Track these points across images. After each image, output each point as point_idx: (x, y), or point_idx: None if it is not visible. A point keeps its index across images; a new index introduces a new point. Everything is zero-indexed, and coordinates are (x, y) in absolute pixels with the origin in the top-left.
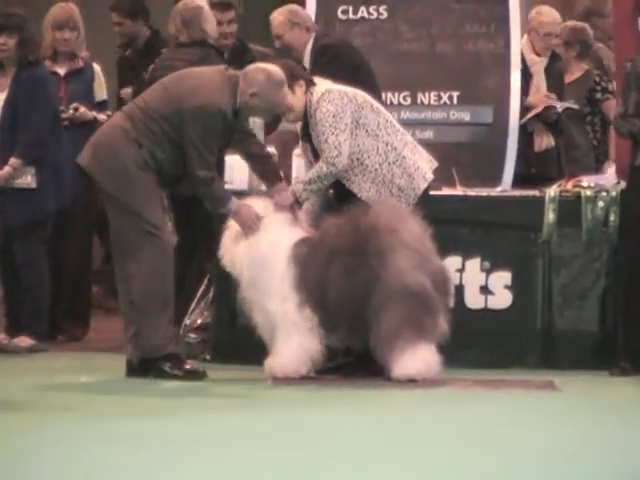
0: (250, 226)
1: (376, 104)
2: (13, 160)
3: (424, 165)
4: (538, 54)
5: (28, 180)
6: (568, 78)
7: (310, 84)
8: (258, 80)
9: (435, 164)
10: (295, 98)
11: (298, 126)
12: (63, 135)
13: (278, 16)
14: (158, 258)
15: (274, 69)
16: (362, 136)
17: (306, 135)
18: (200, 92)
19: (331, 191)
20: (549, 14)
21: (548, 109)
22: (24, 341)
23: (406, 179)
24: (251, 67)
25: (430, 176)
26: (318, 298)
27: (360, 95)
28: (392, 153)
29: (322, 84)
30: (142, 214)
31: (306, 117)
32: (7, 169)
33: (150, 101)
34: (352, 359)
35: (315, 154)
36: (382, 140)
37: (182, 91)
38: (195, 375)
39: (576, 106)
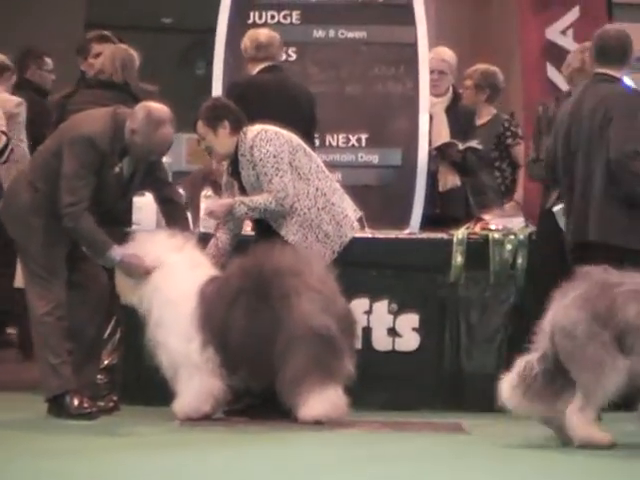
0: (138, 277)
1: (308, 149)
2: None
3: (351, 214)
4: (437, 95)
5: None
6: (477, 121)
7: (238, 124)
8: (138, 117)
9: (359, 213)
10: (217, 139)
11: (211, 166)
12: None
13: None
14: (46, 302)
15: (156, 108)
16: (294, 179)
17: (235, 173)
18: (78, 125)
19: (249, 228)
20: (435, 52)
21: (448, 146)
22: None
23: (334, 226)
24: (138, 105)
25: (357, 225)
26: (221, 339)
27: (294, 137)
28: (322, 199)
29: (255, 125)
30: (35, 258)
31: (235, 155)
32: None
33: (46, 142)
34: (259, 401)
35: (243, 191)
36: (313, 185)
37: (65, 126)
38: (87, 417)
39: (479, 146)
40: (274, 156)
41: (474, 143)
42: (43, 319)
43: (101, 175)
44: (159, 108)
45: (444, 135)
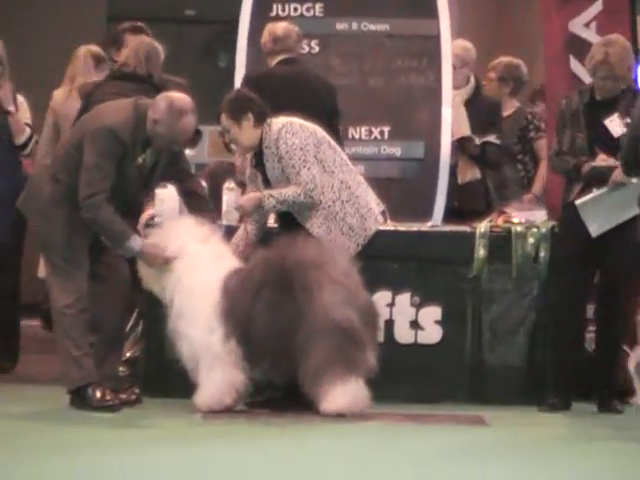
0: (159, 267)
1: (332, 141)
2: None
3: (375, 207)
4: (457, 87)
5: None
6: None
7: (262, 116)
8: (160, 108)
9: (382, 207)
10: (241, 132)
11: (240, 159)
12: (2, 167)
13: None
14: (68, 294)
15: (178, 97)
16: (319, 172)
17: (259, 165)
18: (100, 117)
19: (272, 222)
20: (456, 45)
21: (465, 140)
22: None
23: (358, 219)
24: (159, 95)
25: (381, 219)
26: (244, 331)
27: (319, 130)
28: (346, 192)
29: (280, 117)
30: (57, 250)
31: (260, 147)
32: None
33: (68, 134)
34: (281, 393)
35: (266, 184)
36: (337, 178)
37: (87, 118)
38: (109, 409)
39: (497, 141)
40: (300, 149)
41: (492, 137)
42: (65, 311)
43: (122, 166)
44: (181, 98)
45: (463, 128)
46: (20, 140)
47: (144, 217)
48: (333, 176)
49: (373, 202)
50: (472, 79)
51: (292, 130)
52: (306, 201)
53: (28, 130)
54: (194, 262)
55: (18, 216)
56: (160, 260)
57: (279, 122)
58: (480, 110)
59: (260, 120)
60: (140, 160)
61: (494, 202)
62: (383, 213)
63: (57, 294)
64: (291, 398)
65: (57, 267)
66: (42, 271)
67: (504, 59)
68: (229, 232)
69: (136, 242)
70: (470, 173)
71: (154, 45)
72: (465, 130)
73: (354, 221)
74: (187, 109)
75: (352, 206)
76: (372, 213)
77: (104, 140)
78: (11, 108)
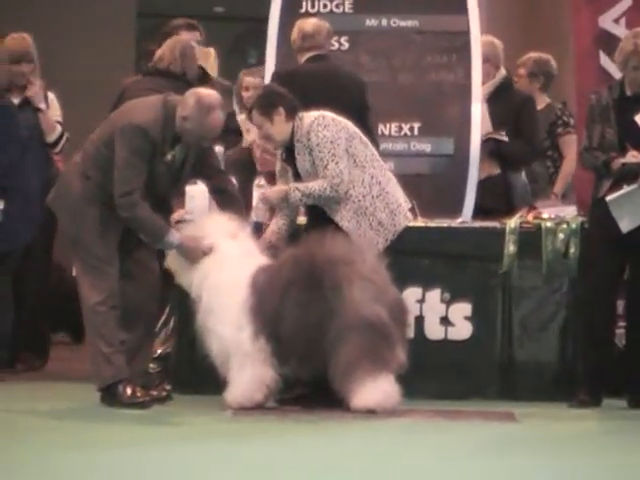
0: (196, 260)
1: (364, 137)
2: None
3: (404, 204)
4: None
5: None
6: None
7: (293, 110)
8: (189, 104)
9: (409, 204)
10: (274, 127)
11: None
12: (31, 166)
13: None
14: (99, 291)
15: (207, 93)
16: (350, 166)
17: (289, 159)
18: (129, 113)
19: (302, 218)
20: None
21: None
22: None
23: (387, 214)
24: (188, 92)
25: (410, 215)
26: (273, 328)
27: (350, 125)
28: (376, 187)
29: (309, 113)
30: (88, 247)
31: (291, 141)
32: None
33: (98, 131)
34: (311, 390)
35: (297, 177)
36: (368, 172)
37: (117, 115)
38: (140, 406)
39: (505, 138)
40: (331, 142)
41: (500, 134)
42: (96, 308)
43: (152, 163)
44: (209, 94)
45: (484, 123)
46: (51, 138)
47: (175, 215)
48: (364, 171)
49: (402, 198)
50: (498, 74)
51: (324, 123)
52: (332, 195)
53: (59, 128)
54: (222, 258)
55: (48, 214)
56: (199, 253)
57: (311, 116)
58: (510, 105)
59: (291, 114)
60: (169, 157)
61: (516, 200)
62: (412, 210)
63: (88, 292)
64: (321, 394)
65: (87, 264)
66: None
67: (533, 55)
68: (258, 228)
69: (174, 236)
70: (488, 169)
71: (190, 43)
72: (486, 125)
73: (383, 216)
74: (215, 105)
75: (382, 201)
76: (401, 209)
77: (133, 137)
78: (42, 106)
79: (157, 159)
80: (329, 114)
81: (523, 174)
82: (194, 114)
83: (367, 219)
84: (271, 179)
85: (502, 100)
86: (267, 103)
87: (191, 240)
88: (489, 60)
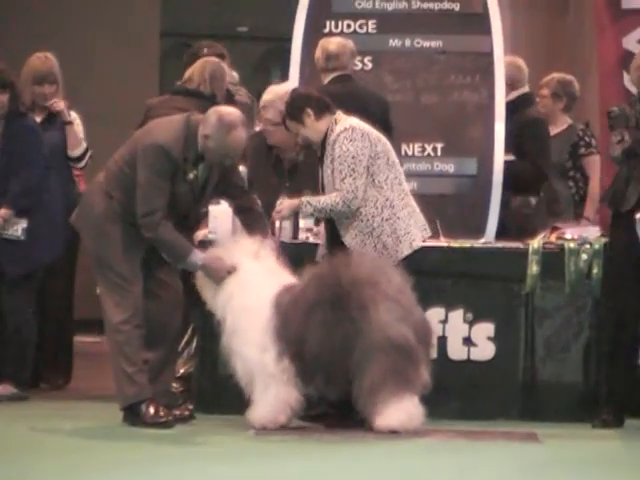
0: (220, 280)
1: (393, 158)
2: (3, 211)
3: (416, 232)
4: None
5: (18, 233)
6: (552, 130)
7: (321, 108)
8: (210, 122)
9: (428, 233)
10: (307, 129)
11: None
12: (54, 185)
13: None
14: (123, 310)
15: (228, 112)
16: (367, 184)
17: (321, 158)
18: (151, 133)
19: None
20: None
21: None
22: (6, 389)
23: (393, 240)
24: (209, 110)
25: (417, 244)
26: (297, 349)
27: (382, 144)
28: (388, 210)
29: (346, 118)
30: (111, 266)
31: (324, 142)
32: None
33: (121, 150)
34: (334, 409)
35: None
36: (383, 195)
37: (139, 134)
38: (163, 426)
39: (511, 157)
40: (353, 157)
41: (507, 156)
42: (119, 327)
43: (175, 182)
44: (231, 112)
45: None
46: (77, 152)
47: (199, 234)
48: (381, 192)
49: (416, 228)
50: (515, 92)
51: (351, 137)
52: (343, 210)
53: (84, 143)
54: (246, 279)
55: (72, 233)
56: (223, 273)
57: (345, 123)
58: (517, 125)
59: (321, 112)
60: (191, 176)
61: (527, 225)
62: (434, 231)
63: (111, 310)
64: (344, 414)
65: (111, 283)
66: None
67: (557, 75)
68: (284, 247)
69: (198, 256)
70: None
71: (220, 65)
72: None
73: (389, 241)
74: (237, 123)
75: (391, 226)
76: (408, 237)
77: (155, 157)
78: (70, 119)
79: (179, 178)
80: (362, 126)
81: (533, 200)
82: (216, 132)
83: (372, 240)
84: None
85: (511, 120)
86: (294, 108)
87: (215, 260)
88: (510, 80)
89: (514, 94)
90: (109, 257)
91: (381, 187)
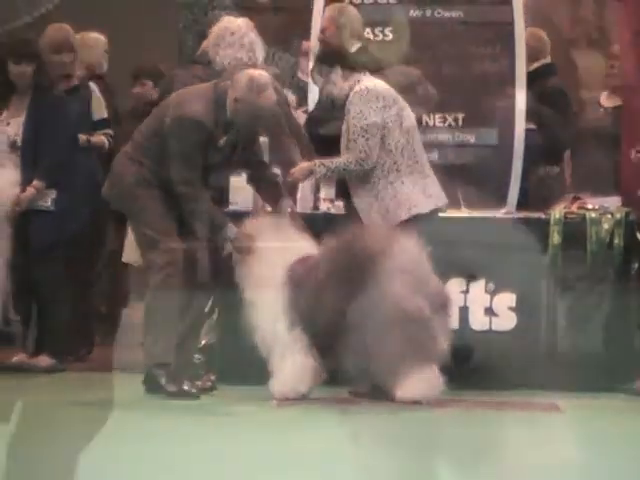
0: (247, 257)
1: (408, 124)
2: (36, 182)
3: (420, 198)
4: None
5: (48, 203)
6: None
7: (351, 69)
8: (240, 85)
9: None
10: (332, 86)
11: None
12: (80, 157)
13: None
14: (160, 268)
15: (258, 73)
16: (377, 144)
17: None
18: (181, 105)
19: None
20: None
21: None
22: (44, 361)
23: (394, 203)
24: (238, 74)
25: (417, 211)
26: (312, 320)
27: (397, 107)
28: (394, 174)
29: (370, 78)
30: (149, 225)
31: (346, 100)
32: (30, 191)
33: (146, 121)
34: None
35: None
36: (392, 158)
37: (168, 106)
38: (186, 396)
39: (532, 127)
40: (365, 118)
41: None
42: (157, 277)
43: (207, 151)
44: (260, 73)
45: None
46: (103, 114)
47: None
48: (389, 156)
49: (422, 193)
50: (537, 63)
51: (367, 98)
52: (356, 169)
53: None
54: (264, 251)
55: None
56: (250, 251)
57: (364, 84)
58: (538, 96)
59: (349, 72)
60: (222, 142)
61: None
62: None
63: (151, 256)
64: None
65: (148, 237)
66: (127, 255)
67: None
68: (304, 219)
69: (232, 230)
70: None
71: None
72: None
73: (391, 204)
74: (267, 84)
75: (394, 189)
76: (408, 203)
77: (188, 129)
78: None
79: (212, 146)
80: (381, 87)
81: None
82: (246, 94)
83: (377, 203)
84: None
85: (532, 89)
86: (325, 61)
87: (245, 237)
88: (533, 52)
89: (535, 65)
90: (144, 216)
91: (390, 151)
